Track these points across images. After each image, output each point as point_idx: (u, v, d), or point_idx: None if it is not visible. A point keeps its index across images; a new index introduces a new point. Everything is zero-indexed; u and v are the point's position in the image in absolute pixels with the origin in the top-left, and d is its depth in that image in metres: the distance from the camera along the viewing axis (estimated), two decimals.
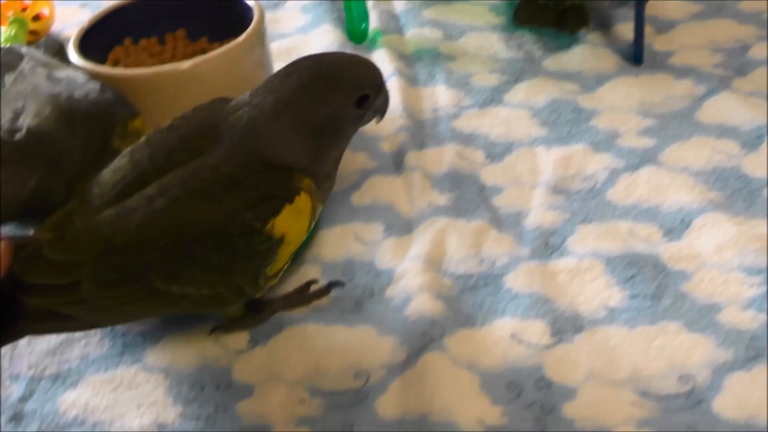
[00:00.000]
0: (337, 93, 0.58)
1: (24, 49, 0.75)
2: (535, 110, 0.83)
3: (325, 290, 0.67)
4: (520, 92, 0.85)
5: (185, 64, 0.78)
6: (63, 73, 0.68)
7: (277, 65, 0.85)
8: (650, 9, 0.95)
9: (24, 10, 1.02)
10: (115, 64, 0.88)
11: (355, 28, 0.94)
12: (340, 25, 0.97)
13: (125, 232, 0.56)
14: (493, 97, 0.85)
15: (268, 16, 1.02)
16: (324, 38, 0.95)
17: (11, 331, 0.57)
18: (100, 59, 0.87)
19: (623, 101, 0.83)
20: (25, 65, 0.71)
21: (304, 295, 0.67)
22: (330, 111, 0.57)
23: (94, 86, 0.67)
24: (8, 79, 0.69)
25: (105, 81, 0.76)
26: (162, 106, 0.79)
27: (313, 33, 0.97)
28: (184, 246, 0.56)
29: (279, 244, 0.57)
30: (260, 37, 0.83)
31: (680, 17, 0.95)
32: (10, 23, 1.01)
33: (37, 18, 1.03)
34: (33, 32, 1.03)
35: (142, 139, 0.61)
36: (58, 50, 0.83)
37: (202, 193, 0.56)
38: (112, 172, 0.59)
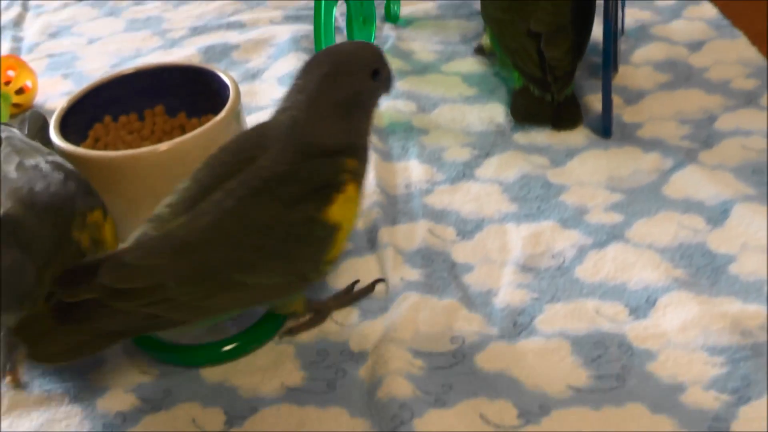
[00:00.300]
0: (356, 72, 0.67)
1: (5, 133, 0.77)
2: (506, 185, 0.84)
3: (370, 288, 0.74)
4: (491, 167, 0.87)
5: (163, 146, 0.80)
6: (32, 161, 0.70)
7: None
8: (620, 79, 0.98)
9: (7, 83, 1.05)
10: (96, 141, 0.90)
11: None
12: None
13: (199, 232, 0.63)
14: (464, 172, 0.87)
15: (246, 87, 1.04)
16: None
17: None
18: (81, 137, 0.89)
19: (592, 175, 0.84)
20: (2, 152, 0.72)
21: (352, 294, 0.74)
22: (354, 89, 0.67)
23: (58, 176, 0.68)
24: None
25: (83, 163, 0.78)
26: (141, 186, 0.81)
27: None
28: (254, 239, 0.64)
29: (335, 231, 0.65)
30: (236, 114, 0.85)
31: (649, 87, 0.97)
32: None
33: (20, 91, 1.06)
34: (16, 105, 1.05)
35: (201, 163, 0.68)
36: (41, 126, 0.84)
37: (263, 190, 0.64)
38: (178, 193, 0.66)
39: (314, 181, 0.65)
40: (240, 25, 1.20)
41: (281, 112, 0.68)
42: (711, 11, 1.10)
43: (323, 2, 0.94)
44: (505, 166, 0.87)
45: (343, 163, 0.66)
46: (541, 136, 0.91)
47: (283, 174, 0.64)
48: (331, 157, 0.66)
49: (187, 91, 0.92)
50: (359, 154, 0.68)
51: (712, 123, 0.90)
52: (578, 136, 0.90)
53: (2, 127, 0.78)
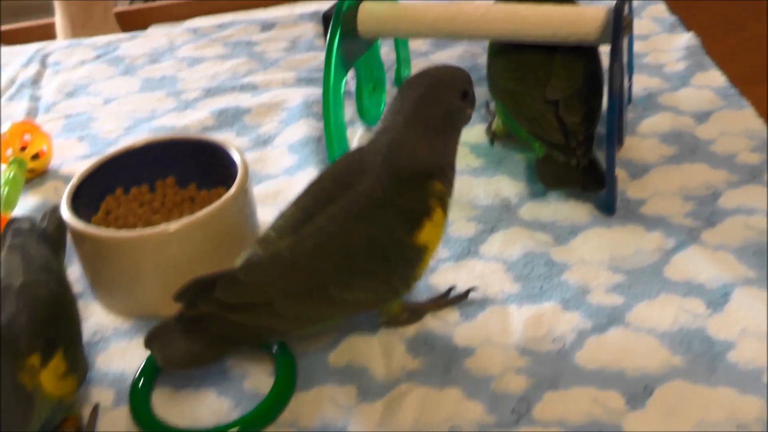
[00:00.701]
0: (447, 93, 0.74)
1: (15, 226, 0.78)
2: (510, 264, 0.85)
3: (464, 295, 0.82)
4: (496, 243, 0.88)
5: (172, 227, 0.81)
6: (8, 281, 0.70)
7: (263, 209, 0.90)
8: (626, 151, 0.99)
9: (23, 148, 1.06)
10: (107, 214, 0.91)
11: None
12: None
13: (304, 253, 0.70)
14: (469, 249, 0.88)
15: (257, 154, 1.06)
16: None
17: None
18: (93, 209, 0.91)
19: (594, 254, 0.85)
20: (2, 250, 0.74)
21: (447, 299, 0.81)
22: (446, 109, 0.74)
23: (11, 309, 0.67)
24: None
25: (93, 241, 0.80)
26: (149, 264, 0.82)
27: (298, 175, 1.01)
28: (353, 261, 0.71)
29: (423, 252, 0.73)
30: (244, 192, 0.86)
31: (654, 160, 0.97)
32: (10, 164, 1.04)
33: (36, 156, 1.07)
34: (31, 170, 1.07)
35: (303, 190, 0.76)
36: (58, 224, 0.84)
37: (361, 216, 0.71)
38: (283, 218, 0.74)
39: (406, 208, 0.72)
40: (253, 87, 1.22)
41: (380, 133, 0.75)
42: (719, 79, 1.11)
43: (332, 70, 0.95)
44: (510, 243, 0.88)
45: (431, 187, 0.73)
46: (546, 211, 0.92)
47: (378, 200, 0.72)
48: (421, 180, 0.73)
49: (197, 162, 0.94)
50: (447, 176, 0.75)
51: (716, 200, 0.91)
52: (582, 212, 0.91)
53: (11, 230, 0.79)
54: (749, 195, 0.91)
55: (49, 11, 2.07)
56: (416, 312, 0.80)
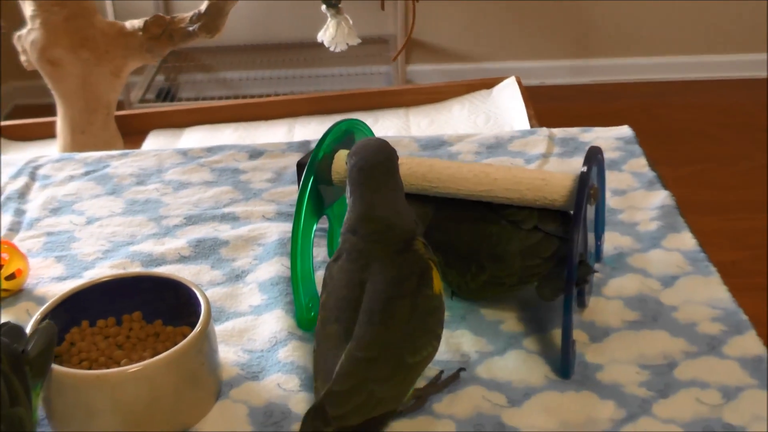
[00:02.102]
0: (391, 159, 0.87)
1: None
2: (460, 422, 0.86)
3: (456, 375, 0.91)
4: (447, 401, 0.89)
5: (133, 368, 0.83)
6: None
7: (227, 348, 0.91)
8: (589, 313, 1.00)
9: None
10: (71, 345, 0.93)
11: (303, 315, 0.99)
12: (291, 311, 1.02)
13: (371, 346, 0.81)
14: (424, 406, 0.88)
15: (227, 289, 1.08)
16: (274, 324, 1.00)
17: None
18: (59, 339, 0.92)
19: (546, 422, 0.86)
20: None
21: (442, 381, 0.91)
22: (397, 174, 0.87)
23: None
24: None
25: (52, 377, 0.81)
26: (107, 403, 0.83)
27: (265, 316, 1.02)
28: (405, 331, 0.82)
29: (442, 297, 0.87)
30: (206, 335, 0.88)
31: (616, 325, 0.99)
32: None
33: (11, 277, 1.09)
34: (5, 290, 1.09)
35: (324, 309, 0.86)
36: (49, 342, 0.84)
37: (392, 297, 0.83)
38: (329, 338, 0.83)
39: (417, 271, 0.84)
40: (233, 218, 1.24)
41: (371, 226, 0.86)
42: (690, 242, 1.13)
43: (302, 219, 0.98)
44: (464, 401, 0.89)
45: (418, 246, 0.86)
46: (504, 370, 0.93)
47: (397, 277, 0.83)
48: (411, 243, 0.86)
49: (164, 298, 0.95)
50: (419, 228, 0.88)
51: (672, 370, 0.92)
52: (538, 374, 0.92)
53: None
54: (705, 367, 0.92)
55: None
56: (421, 399, 0.88)
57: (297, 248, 0.96)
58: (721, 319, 0.99)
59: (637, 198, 1.24)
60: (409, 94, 2.31)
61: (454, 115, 2.29)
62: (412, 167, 0.99)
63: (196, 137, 2.27)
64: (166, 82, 3.45)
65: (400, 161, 0.95)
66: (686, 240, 1.14)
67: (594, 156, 0.95)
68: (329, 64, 3.45)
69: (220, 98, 3.40)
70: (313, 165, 0.98)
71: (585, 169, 0.92)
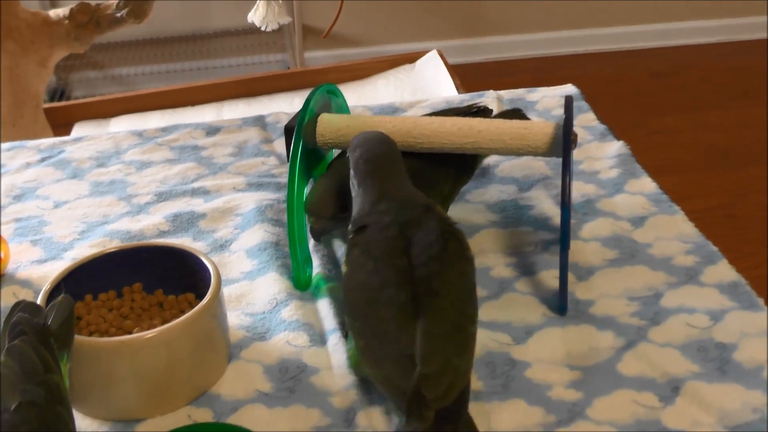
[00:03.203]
0: (394, 149, 0.92)
1: (17, 316, 0.79)
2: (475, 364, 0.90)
3: None
4: None
5: (151, 333, 0.84)
6: (5, 402, 0.70)
7: (228, 313, 0.93)
8: (571, 255, 1.05)
9: None
10: (78, 320, 0.93)
11: (300, 275, 1.01)
12: (286, 272, 1.04)
13: (443, 323, 0.79)
14: None
15: (215, 258, 1.09)
16: (271, 287, 1.02)
17: None
18: None
19: (552, 354, 0.90)
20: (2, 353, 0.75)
21: None
22: (401, 162, 0.92)
23: None
24: None
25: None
26: (125, 370, 0.84)
27: (259, 280, 1.04)
28: (462, 299, 0.82)
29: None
30: (219, 299, 0.89)
31: (598, 263, 1.04)
32: None
33: None
34: None
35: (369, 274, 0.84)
36: (68, 315, 0.84)
37: (444, 269, 0.82)
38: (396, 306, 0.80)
39: (451, 236, 0.85)
40: (204, 192, 1.25)
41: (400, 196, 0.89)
42: (650, 185, 1.18)
43: (296, 179, 0.99)
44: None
45: (440, 211, 0.88)
46: (503, 313, 0.97)
47: (436, 243, 0.83)
48: (432, 209, 0.87)
49: (161, 268, 0.97)
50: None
51: (658, 300, 0.97)
52: (536, 314, 0.96)
53: (12, 324, 0.78)
54: (688, 295, 0.98)
55: None
56: None
57: (293, 209, 0.99)
58: (694, 251, 1.05)
59: (592, 149, 1.29)
60: (335, 72, 2.34)
61: (380, 90, 2.33)
62: (396, 125, 1.02)
63: (123, 126, 2.26)
64: (59, 82, 3.39)
65: (383, 119, 0.98)
66: (647, 184, 1.19)
67: (571, 104, 1.00)
68: (224, 55, 3.44)
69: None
70: (301, 128, 1.00)
71: (566, 116, 0.97)
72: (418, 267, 0.81)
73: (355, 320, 0.83)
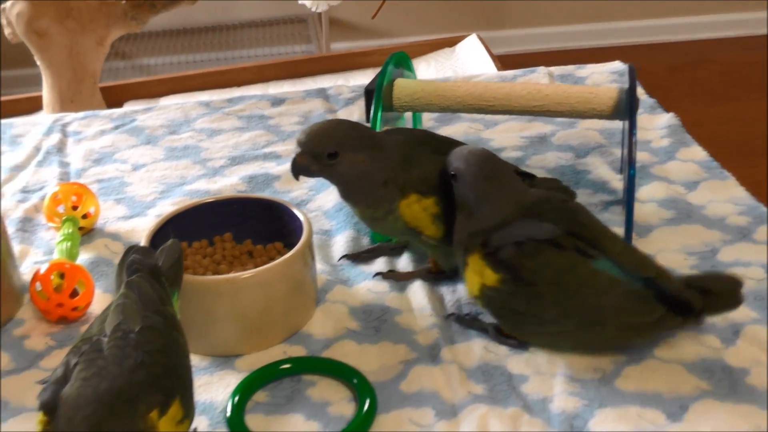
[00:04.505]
0: (499, 160, 0.93)
1: (131, 257, 0.85)
2: None
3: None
4: None
5: (248, 273, 0.91)
6: (126, 326, 0.75)
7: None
8: None
9: (75, 207, 1.15)
10: None
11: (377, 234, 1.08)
12: (362, 230, 1.11)
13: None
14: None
15: None
16: (350, 242, 1.09)
17: None
18: None
19: None
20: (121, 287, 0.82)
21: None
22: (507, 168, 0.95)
23: (130, 362, 0.71)
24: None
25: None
26: (225, 308, 0.91)
27: (337, 237, 1.11)
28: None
29: None
30: (310, 246, 0.96)
31: (655, 222, 1.10)
32: (64, 222, 1.12)
33: (85, 216, 1.16)
34: (80, 228, 1.15)
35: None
36: (178, 257, 0.89)
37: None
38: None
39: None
40: (276, 156, 1.32)
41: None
42: (701, 154, 1.25)
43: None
44: None
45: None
46: None
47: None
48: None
49: (254, 221, 1.04)
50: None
51: (715, 255, 1.04)
52: None
53: (128, 263, 0.84)
54: (743, 251, 1.04)
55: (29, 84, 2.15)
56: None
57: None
58: (746, 213, 1.11)
59: (642, 121, 1.36)
60: (377, 55, 2.40)
61: (422, 73, 2.39)
62: (468, 89, 1.09)
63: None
64: None
65: (456, 84, 1.05)
66: (698, 152, 1.26)
67: (634, 72, 1.06)
68: (249, 45, 3.47)
69: None
70: (380, 90, 1.07)
71: (630, 81, 1.04)
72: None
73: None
